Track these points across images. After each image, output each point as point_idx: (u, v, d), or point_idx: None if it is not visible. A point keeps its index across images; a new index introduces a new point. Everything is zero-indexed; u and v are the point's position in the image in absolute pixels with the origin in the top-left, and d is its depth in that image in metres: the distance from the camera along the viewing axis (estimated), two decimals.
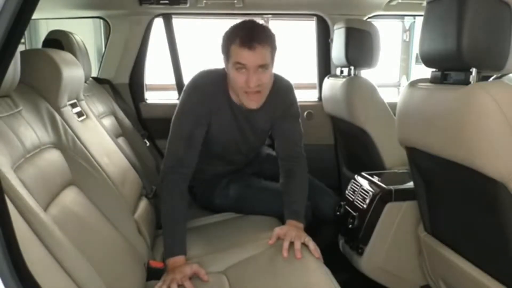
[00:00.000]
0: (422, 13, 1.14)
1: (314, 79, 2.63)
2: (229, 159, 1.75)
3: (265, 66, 1.44)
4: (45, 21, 3.22)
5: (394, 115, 1.36)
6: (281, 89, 1.64)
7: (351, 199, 1.69)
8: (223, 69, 1.56)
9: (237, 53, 1.43)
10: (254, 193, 1.72)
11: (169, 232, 1.38)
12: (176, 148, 1.51)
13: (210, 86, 1.56)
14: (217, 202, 1.73)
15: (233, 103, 1.57)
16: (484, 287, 1.11)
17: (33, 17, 0.74)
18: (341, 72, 2.23)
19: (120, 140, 1.84)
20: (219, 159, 1.73)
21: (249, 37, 1.43)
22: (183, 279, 1.22)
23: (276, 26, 3.36)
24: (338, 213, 1.73)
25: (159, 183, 1.54)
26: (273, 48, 1.48)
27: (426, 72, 1.20)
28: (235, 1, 2.14)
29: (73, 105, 1.47)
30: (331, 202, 1.80)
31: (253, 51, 1.42)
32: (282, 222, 1.65)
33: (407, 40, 6.52)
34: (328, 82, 2.31)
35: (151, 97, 2.53)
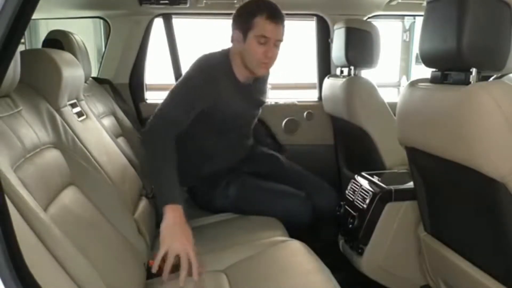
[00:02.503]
0: (422, 13, 1.14)
1: (314, 79, 2.63)
2: (230, 138, 1.75)
3: (280, 42, 1.58)
4: (45, 21, 3.22)
5: (394, 115, 1.36)
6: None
7: (351, 199, 1.69)
8: (223, 50, 1.65)
9: (263, 26, 1.53)
10: (254, 193, 1.72)
11: (163, 181, 1.37)
12: (173, 110, 1.54)
13: (217, 70, 1.61)
14: (217, 202, 1.73)
15: (237, 80, 1.65)
16: (484, 287, 1.11)
17: (33, 17, 0.74)
18: (341, 72, 2.23)
19: (120, 140, 1.84)
20: (221, 137, 1.72)
21: (276, 12, 1.54)
22: (188, 252, 1.18)
23: None
24: (338, 213, 1.73)
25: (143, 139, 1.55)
26: (284, 25, 1.59)
27: (426, 72, 1.20)
28: (235, 1, 2.14)
29: (73, 105, 1.47)
30: (331, 197, 1.81)
31: (278, 25, 1.54)
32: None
33: (407, 40, 6.52)
34: (328, 82, 2.31)
35: (151, 97, 2.53)
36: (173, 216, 1.28)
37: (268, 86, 1.92)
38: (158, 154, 1.45)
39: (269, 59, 1.58)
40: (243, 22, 1.57)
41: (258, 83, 1.77)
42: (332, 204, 1.78)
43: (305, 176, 1.86)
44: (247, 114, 1.78)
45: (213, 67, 1.61)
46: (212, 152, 1.74)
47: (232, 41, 1.63)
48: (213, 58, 1.65)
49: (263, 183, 1.76)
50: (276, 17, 1.54)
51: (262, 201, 1.70)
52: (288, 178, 1.81)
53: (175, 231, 1.25)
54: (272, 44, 1.55)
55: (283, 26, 1.57)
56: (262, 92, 1.83)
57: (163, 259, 1.21)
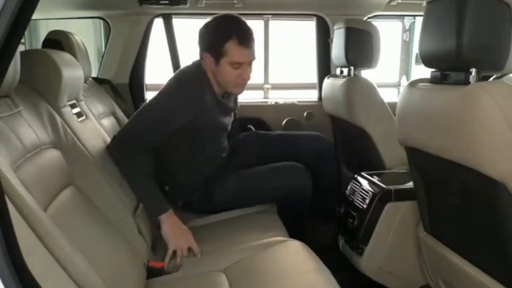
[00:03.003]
0: (422, 13, 1.14)
1: (314, 79, 2.63)
2: (213, 145, 1.74)
3: (252, 61, 1.56)
4: (45, 21, 3.22)
5: (394, 115, 1.36)
6: None
7: (351, 199, 1.69)
8: (196, 63, 1.62)
9: (235, 52, 1.48)
10: (251, 180, 1.72)
11: (148, 194, 1.47)
12: (150, 129, 1.52)
13: (199, 85, 1.57)
14: (217, 199, 1.71)
15: (215, 93, 1.62)
16: (484, 287, 1.11)
17: (33, 17, 0.74)
18: (341, 72, 2.23)
19: None
20: (205, 146, 1.69)
21: (246, 35, 1.50)
22: (191, 245, 1.39)
23: (276, 26, 3.36)
24: (338, 213, 1.74)
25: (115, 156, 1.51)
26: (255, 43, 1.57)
27: (426, 72, 1.20)
28: (235, 1, 2.14)
29: (73, 106, 1.47)
30: (331, 168, 1.84)
31: (250, 48, 1.51)
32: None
33: (407, 40, 6.52)
34: (328, 82, 2.31)
35: (151, 97, 2.53)
36: (169, 222, 1.44)
37: (268, 86, 1.92)
38: (136, 172, 1.47)
39: (244, 80, 1.57)
40: (213, 48, 1.53)
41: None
42: (332, 168, 1.81)
43: (293, 139, 1.88)
44: (226, 124, 1.76)
45: (194, 82, 1.58)
46: (198, 161, 1.71)
47: (202, 59, 1.60)
48: (191, 73, 1.62)
49: (252, 171, 1.75)
50: (248, 40, 1.51)
51: (260, 185, 1.70)
52: (277, 148, 1.82)
53: (176, 232, 1.43)
54: (246, 66, 1.54)
55: (255, 44, 1.55)
56: (235, 100, 1.82)
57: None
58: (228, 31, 1.50)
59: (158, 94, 1.58)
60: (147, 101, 1.62)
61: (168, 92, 1.57)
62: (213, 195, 1.72)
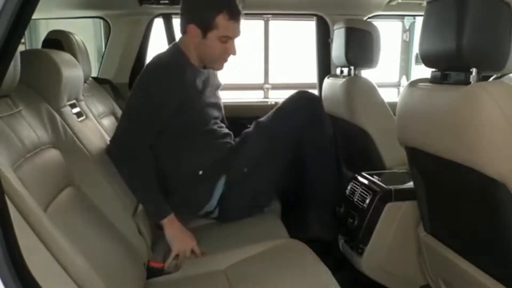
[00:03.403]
0: (422, 13, 1.14)
1: (314, 79, 2.63)
2: (209, 128, 1.63)
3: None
4: (45, 21, 3.22)
5: (394, 115, 1.36)
6: None
7: (351, 199, 1.69)
8: (171, 46, 1.60)
9: (226, 26, 1.47)
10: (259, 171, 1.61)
11: (150, 197, 1.46)
12: (142, 124, 1.46)
13: (175, 64, 1.53)
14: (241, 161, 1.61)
15: (196, 69, 1.58)
16: (484, 287, 1.11)
17: (33, 17, 0.74)
18: (341, 72, 2.23)
19: None
20: (200, 129, 1.60)
21: (237, 9, 1.48)
22: (193, 247, 1.41)
23: (276, 26, 3.36)
24: (338, 213, 1.74)
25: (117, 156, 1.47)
26: None
27: (426, 72, 1.20)
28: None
29: (73, 106, 1.47)
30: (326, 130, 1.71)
31: (239, 23, 1.50)
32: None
33: (407, 40, 6.52)
34: (328, 82, 2.31)
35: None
36: (172, 227, 1.44)
37: (268, 86, 1.90)
38: (138, 174, 1.45)
39: (229, 55, 1.55)
40: (201, 19, 1.48)
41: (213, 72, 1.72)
42: (327, 132, 1.71)
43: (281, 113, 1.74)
44: (215, 102, 1.68)
45: (170, 62, 1.53)
46: (198, 145, 1.60)
47: (185, 33, 1.54)
48: (165, 55, 1.57)
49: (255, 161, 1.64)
50: (238, 14, 1.48)
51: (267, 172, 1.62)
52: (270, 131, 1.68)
53: (179, 235, 1.43)
54: (233, 41, 1.52)
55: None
56: (216, 76, 1.75)
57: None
58: (219, 3, 1.47)
59: (139, 83, 1.51)
60: (131, 93, 1.53)
61: (148, 80, 1.51)
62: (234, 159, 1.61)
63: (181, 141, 1.56)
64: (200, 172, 1.57)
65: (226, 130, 1.72)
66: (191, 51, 1.55)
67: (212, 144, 1.62)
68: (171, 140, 1.56)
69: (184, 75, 1.51)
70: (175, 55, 1.56)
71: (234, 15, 1.47)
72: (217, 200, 1.61)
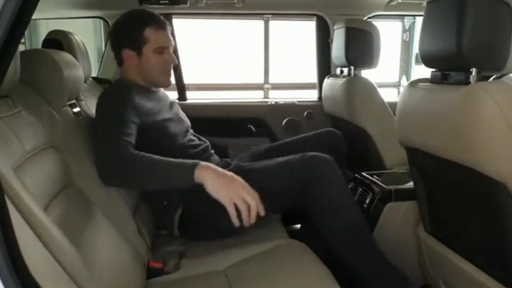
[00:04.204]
0: (422, 13, 1.14)
1: (314, 79, 2.63)
2: (187, 146, 1.55)
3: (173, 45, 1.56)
4: (45, 21, 3.21)
5: (394, 115, 1.36)
6: None
7: None
8: (116, 80, 1.59)
9: (156, 36, 1.49)
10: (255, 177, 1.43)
11: (171, 170, 1.21)
12: (113, 131, 1.30)
13: (124, 90, 1.47)
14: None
15: (145, 90, 1.54)
16: (484, 287, 1.11)
17: (33, 17, 0.74)
18: (341, 72, 2.24)
19: None
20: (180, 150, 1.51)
21: (160, 20, 1.51)
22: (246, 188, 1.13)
23: (276, 26, 3.36)
24: None
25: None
26: None
27: (426, 72, 1.20)
28: (235, 1, 2.14)
29: (73, 105, 1.47)
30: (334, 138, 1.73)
31: (167, 32, 1.52)
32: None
33: (407, 40, 6.52)
34: (328, 82, 2.31)
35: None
36: (209, 171, 1.17)
37: (268, 86, 1.88)
38: (142, 170, 1.23)
39: (170, 65, 1.56)
40: (131, 40, 1.50)
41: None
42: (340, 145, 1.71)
43: (303, 139, 1.74)
44: (172, 117, 1.59)
45: (116, 91, 1.50)
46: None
47: (121, 62, 1.56)
48: (111, 87, 1.59)
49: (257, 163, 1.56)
50: (163, 23, 1.52)
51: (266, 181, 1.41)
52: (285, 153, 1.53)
53: (221, 181, 1.16)
54: (169, 50, 1.54)
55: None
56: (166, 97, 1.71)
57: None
58: (142, 19, 1.50)
59: (96, 116, 1.44)
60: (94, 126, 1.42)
61: (101, 110, 1.43)
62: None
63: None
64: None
65: (200, 142, 1.65)
66: (134, 75, 1.55)
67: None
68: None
69: (132, 98, 1.44)
70: (119, 85, 1.55)
71: (160, 25, 1.50)
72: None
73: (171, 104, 1.70)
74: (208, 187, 1.15)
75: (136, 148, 1.30)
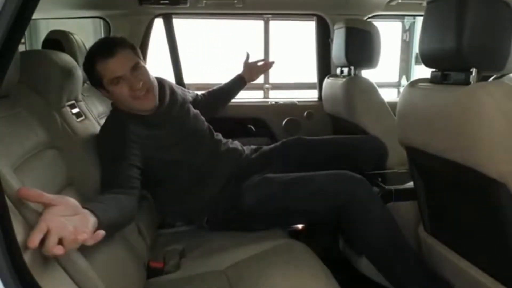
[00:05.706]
0: (422, 13, 1.14)
1: (314, 79, 2.63)
2: (199, 161, 1.55)
3: (137, 65, 1.42)
4: (45, 21, 3.21)
5: (394, 115, 1.36)
6: (164, 81, 1.67)
7: None
8: (111, 111, 1.55)
9: (106, 68, 1.38)
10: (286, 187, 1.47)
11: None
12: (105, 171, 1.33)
13: (115, 126, 1.46)
14: (246, 205, 1.48)
15: (142, 117, 1.48)
16: (484, 287, 1.11)
17: (33, 17, 0.74)
18: (341, 72, 2.23)
19: None
20: (197, 170, 1.53)
21: (106, 47, 1.40)
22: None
23: (276, 26, 3.36)
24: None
25: None
26: (131, 47, 1.45)
27: (426, 72, 1.20)
28: (235, 1, 2.14)
29: (72, 106, 1.47)
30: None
31: (117, 57, 1.38)
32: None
33: (407, 40, 6.52)
34: (328, 82, 2.31)
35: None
36: None
37: (268, 86, 1.85)
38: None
39: (139, 89, 1.41)
40: (92, 79, 1.45)
41: (171, 98, 1.61)
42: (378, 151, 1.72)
43: (348, 141, 1.75)
44: (184, 129, 1.58)
45: (110, 126, 1.48)
46: (202, 174, 1.54)
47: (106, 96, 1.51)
48: (106, 121, 1.52)
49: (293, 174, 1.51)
50: (109, 50, 1.38)
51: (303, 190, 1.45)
52: (326, 152, 1.63)
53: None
54: (128, 76, 1.39)
55: (126, 49, 1.42)
56: (181, 97, 1.66)
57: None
58: (90, 56, 1.43)
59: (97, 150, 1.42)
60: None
61: (100, 145, 1.44)
62: (240, 201, 1.49)
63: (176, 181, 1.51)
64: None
65: (229, 145, 1.65)
66: (121, 106, 1.49)
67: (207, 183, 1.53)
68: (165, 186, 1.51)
69: (127, 129, 1.42)
70: (114, 117, 1.51)
71: (106, 54, 1.38)
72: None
73: (186, 102, 1.65)
74: None
75: (160, 183, 1.45)
